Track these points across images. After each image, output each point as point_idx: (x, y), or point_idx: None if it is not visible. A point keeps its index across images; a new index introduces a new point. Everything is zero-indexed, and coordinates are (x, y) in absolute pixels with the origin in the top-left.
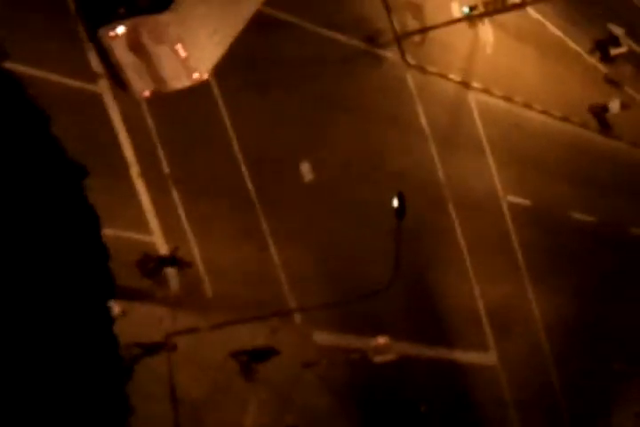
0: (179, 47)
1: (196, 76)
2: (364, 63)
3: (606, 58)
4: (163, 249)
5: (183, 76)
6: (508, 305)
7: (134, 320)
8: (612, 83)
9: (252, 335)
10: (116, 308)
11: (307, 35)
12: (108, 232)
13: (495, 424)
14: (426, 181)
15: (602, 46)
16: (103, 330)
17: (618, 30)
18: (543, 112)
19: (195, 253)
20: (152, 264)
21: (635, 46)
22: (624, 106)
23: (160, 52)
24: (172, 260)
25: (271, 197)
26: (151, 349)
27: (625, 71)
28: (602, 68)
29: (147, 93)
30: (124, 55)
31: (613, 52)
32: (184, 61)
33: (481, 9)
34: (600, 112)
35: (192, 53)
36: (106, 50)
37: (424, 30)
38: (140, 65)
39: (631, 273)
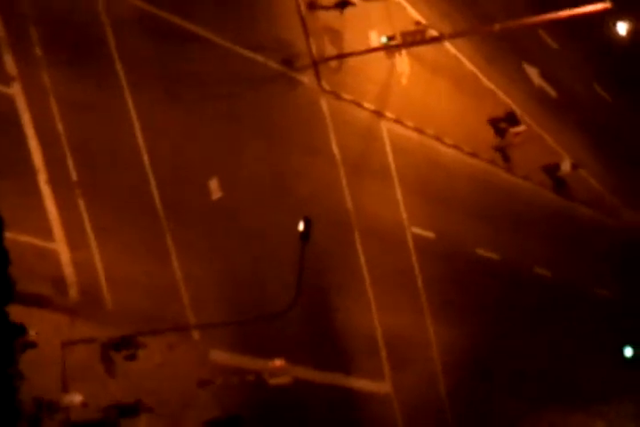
0: None
1: None
2: (279, 86)
3: (501, 134)
4: (64, 257)
5: None
6: (406, 336)
7: (31, 326)
8: (502, 152)
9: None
10: (76, 398)
11: (225, 53)
12: (10, 236)
13: None
14: (333, 207)
15: (497, 123)
16: None
17: (532, 70)
18: (453, 146)
19: (96, 262)
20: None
21: (547, 87)
22: (575, 166)
23: None
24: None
25: (178, 213)
26: (127, 411)
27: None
28: (513, 106)
29: None
30: None
31: (512, 130)
32: None
33: (399, 40)
34: (553, 171)
35: None
36: None
37: (341, 57)
38: None
39: (531, 312)
